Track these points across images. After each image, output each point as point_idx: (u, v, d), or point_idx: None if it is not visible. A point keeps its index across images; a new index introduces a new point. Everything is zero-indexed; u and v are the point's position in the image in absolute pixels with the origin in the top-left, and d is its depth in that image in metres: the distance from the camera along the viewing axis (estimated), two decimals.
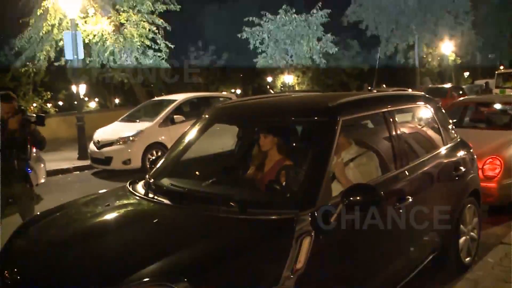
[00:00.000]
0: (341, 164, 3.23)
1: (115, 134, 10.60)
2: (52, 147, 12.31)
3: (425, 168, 3.78)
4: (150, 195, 3.11)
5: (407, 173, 3.48)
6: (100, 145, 10.47)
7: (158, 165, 3.71)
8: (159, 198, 3.03)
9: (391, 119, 3.56)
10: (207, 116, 3.81)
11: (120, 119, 11.87)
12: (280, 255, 2.31)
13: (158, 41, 17.13)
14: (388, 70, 39.92)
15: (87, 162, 11.17)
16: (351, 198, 2.55)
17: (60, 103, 35.33)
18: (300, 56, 26.62)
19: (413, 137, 4.13)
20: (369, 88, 4.96)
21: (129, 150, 10.18)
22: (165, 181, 3.33)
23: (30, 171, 5.03)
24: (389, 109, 3.60)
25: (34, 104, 20.92)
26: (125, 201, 3.16)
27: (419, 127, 4.42)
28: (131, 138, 10.28)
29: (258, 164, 3.72)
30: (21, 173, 4.75)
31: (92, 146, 10.81)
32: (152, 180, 3.34)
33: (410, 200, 3.32)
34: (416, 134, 4.26)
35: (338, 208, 2.58)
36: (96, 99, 44.81)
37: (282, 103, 3.83)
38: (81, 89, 14.10)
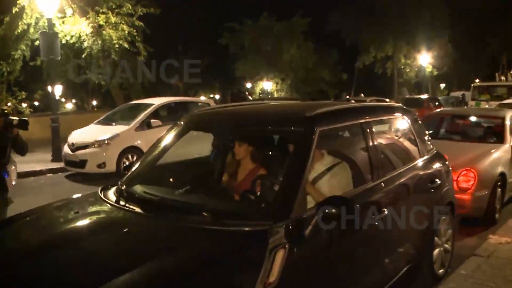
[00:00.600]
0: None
1: (90, 136, 10.45)
2: None
3: (402, 180, 3.77)
4: (122, 203, 3.04)
5: (383, 185, 3.46)
6: (75, 147, 10.31)
7: (131, 171, 3.64)
8: (131, 206, 2.96)
9: (368, 130, 3.55)
10: (182, 122, 3.76)
11: (96, 121, 11.74)
12: (252, 268, 2.25)
13: (136, 44, 16.99)
14: (366, 79, 40.48)
15: (61, 165, 10.98)
16: (326, 211, 2.51)
17: (36, 103, 34.71)
18: (280, 63, 26.68)
19: (390, 148, 4.13)
20: (347, 97, 4.99)
21: (104, 154, 10.05)
22: (138, 188, 3.26)
23: (6, 175, 4.85)
24: (367, 120, 3.59)
25: (9, 104, 20.41)
26: (95, 209, 3.07)
27: (396, 138, 4.43)
28: (106, 142, 10.14)
29: (232, 172, 3.70)
30: None
31: (66, 149, 10.64)
32: (124, 187, 3.27)
33: (386, 212, 3.30)
34: (393, 146, 4.27)
35: (313, 220, 2.53)
36: (73, 101, 44.23)
37: (259, 111, 3.79)
38: (57, 90, 13.80)
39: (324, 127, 3.07)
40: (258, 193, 3.07)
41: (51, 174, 10.92)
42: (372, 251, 3.29)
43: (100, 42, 16.20)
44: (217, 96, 46.84)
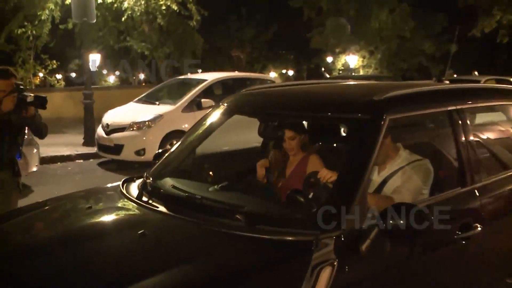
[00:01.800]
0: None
1: (128, 117, 10.80)
2: (53, 128, 12.58)
3: (508, 189, 3.62)
4: (144, 199, 3.14)
5: (477, 193, 3.35)
6: (110, 129, 10.68)
7: (162, 160, 3.76)
8: (153, 203, 3.05)
9: (460, 120, 3.43)
10: (225, 104, 3.83)
11: (136, 99, 12.14)
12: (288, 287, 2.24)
13: (188, 5, 17.22)
14: (485, 52, 38.67)
15: (94, 149, 11.44)
16: (391, 222, 2.45)
17: (73, 74, 36.28)
18: (368, 31, 26.23)
19: (495, 146, 3.99)
20: (455, 75, 4.89)
21: (144, 138, 10.35)
22: (166, 182, 3.37)
23: (19, 157, 5.13)
24: (459, 107, 3.47)
25: (41, 74, 21.37)
26: (112, 204, 3.20)
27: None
28: (147, 124, 10.45)
29: (279, 167, 3.70)
30: (9, 159, 4.85)
31: (100, 131, 11.03)
32: (151, 179, 3.38)
33: (479, 229, 3.17)
34: (502, 142, 4.10)
35: (372, 233, 2.48)
36: (117, 73, 45.79)
37: (317, 93, 3.78)
38: (93, 59, 14.29)
39: (397, 115, 3.02)
40: (311, 195, 3.06)
41: (81, 160, 11.44)
42: (452, 282, 3.19)
43: (143, 2, 16.56)
44: (291, 72, 46.96)
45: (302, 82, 4.82)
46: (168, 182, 3.36)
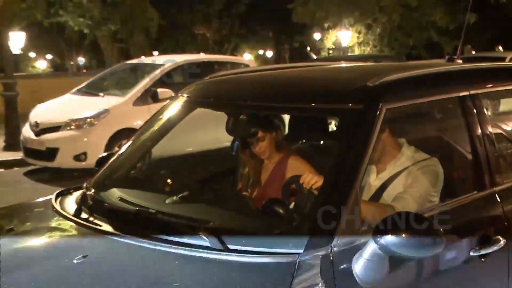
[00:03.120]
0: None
1: (64, 113, 10.76)
2: None
3: None
4: (83, 216, 3.14)
5: (498, 198, 3.40)
6: (40, 129, 10.64)
7: (107, 166, 3.77)
8: (96, 221, 3.05)
9: (475, 109, 3.49)
10: (185, 95, 3.85)
11: (74, 90, 12.11)
12: None
13: None
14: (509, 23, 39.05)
15: (19, 155, 11.36)
16: (390, 236, 2.48)
17: None
18: (362, 0, 26.41)
19: None
20: (473, 52, 4.99)
21: (85, 139, 10.36)
22: (112, 194, 3.38)
23: None
24: (474, 92, 3.53)
25: None
26: (41, 224, 3.20)
27: None
28: (89, 121, 10.47)
29: (252, 172, 3.75)
30: None
31: (27, 131, 10.94)
32: (92, 191, 3.39)
33: (502, 243, 3.23)
34: None
35: (368, 250, 2.52)
36: (49, 57, 45.29)
37: (299, 79, 3.82)
38: (15, 38, 14.13)
39: (396, 103, 3.07)
40: (291, 205, 3.11)
41: (1, 170, 11.39)
42: None
43: None
44: (270, 54, 46.97)
45: (281, 65, 4.88)
46: (115, 193, 3.36)
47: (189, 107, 3.82)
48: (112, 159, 3.83)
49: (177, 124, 3.88)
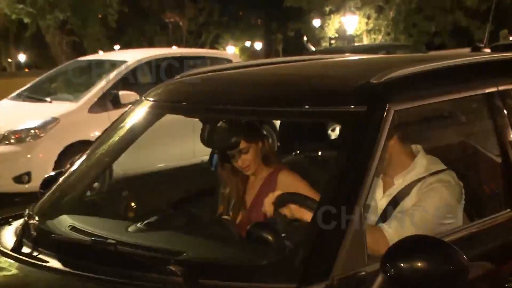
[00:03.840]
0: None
1: (1, 123, 10.67)
2: None
3: None
4: (25, 250, 3.14)
5: None
6: None
7: (55, 189, 3.77)
8: (41, 256, 3.06)
9: (506, 109, 3.53)
10: (150, 99, 3.87)
11: (13, 95, 12.09)
12: None
13: None
14: None
15: None
16: (402, 265, 2.52)
17: None
18: None
19: None
20: (511, 38, 5.02)
21: (29, 156, 10.30)
22: (61, 222, 3.38)
23: None
24: (504, 87, 3.57)
25: None
26: None
27: None
28: (33, 133, 10.39)
29: (235, 192, 3.77)
30: None
31: None
32: (36, 219, 3.37)
33: None
34: None
35: (375, 283, 2.56)
36: None
37: (290, 77, 3.87)
38: None
39: (406, 104, 3.10)
40: (282, 229, 3.14)
41: None
42: None
43: None
44: (259, 45, 46.81)
45: (269, 60, 4.90)
46: (65, 221, 3.36)
47: (156, 113, 3.85)
48: (61, 179, 3.81)
49: (141, 135, 3.89)
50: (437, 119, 3.81)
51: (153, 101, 3.83)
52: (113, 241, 2.99)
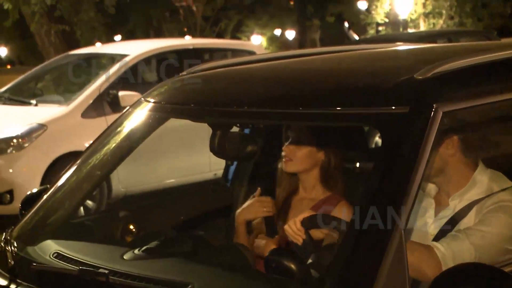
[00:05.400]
0: None
1: None
2: None
3: None
4: (1, 283, 3.19)
5: None
6: None
7: (37, 209, 3.81)
8: None
9: None
10: (150, 100, 3.92)
11: None
12: None
13: None
14: None
15: None
16: None
17: None
18: None
19: None
20: None
21: (11, 171, 10.37)
22: (45, 248, 3.44)
23: None
24: None
25: None
26: None
27: None
28: (15, 142, 10.49)
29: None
30: None
31: None
32: (15, 245, 3.45)
33: None
34: None
35: None
36: None
37: (320, 72, 3.91)
38: None
39: (458, 104, 3.11)
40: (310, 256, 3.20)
41: None
42: None
43: None
44: (291, 34, 46.52)
45: (296, 52, 4.92)
46: (49, 247, 3.41)
47: (158, 117, 3.91)
48: (45, 197, 3.85)
49: (140, 143, 3.96)
50: (499, 122, 3.83)
51: (154, 102, 3.87)
52: (105, 271, 3.03)
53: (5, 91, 12.22)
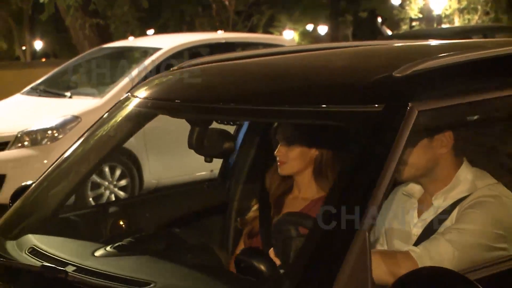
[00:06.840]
0: None
1: (12, 123, 10.94)
2: None
3: None
4: None
5: None
6: None
7: (21, 202, 3.84)
8: None
9: None
10: (137, 96, 3.90)
11: (27, 88, 12.32)
12: None
13: None
14: None
15: None
16: None
17: None
18: None
19: None
20: None
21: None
22: (22, 243, 3.43)
23: None
24: None
25: None
26: None
27: None
28: (50, 134, 10.59)
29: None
30: None
31: None
32: None
33: None
34: None
35: None
36: None
37: (305, 68, 3.90)
38: None
39: (436, 103, 3.06)
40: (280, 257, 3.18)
41: None
42: None
43: None
44: (323, 30, 46.60)
45: (300, 47, 4.90)
46: (27, 242, 3.41)
47: (145, 114, 3.92)
48: (29, 190, 3.86)
49: (128, 139, 4.11)
50: (482, 122, 3.82)
51: (141, 98, 3.84)
52: (64, 269, 3.01)
53: (40, 84, 12.31)
